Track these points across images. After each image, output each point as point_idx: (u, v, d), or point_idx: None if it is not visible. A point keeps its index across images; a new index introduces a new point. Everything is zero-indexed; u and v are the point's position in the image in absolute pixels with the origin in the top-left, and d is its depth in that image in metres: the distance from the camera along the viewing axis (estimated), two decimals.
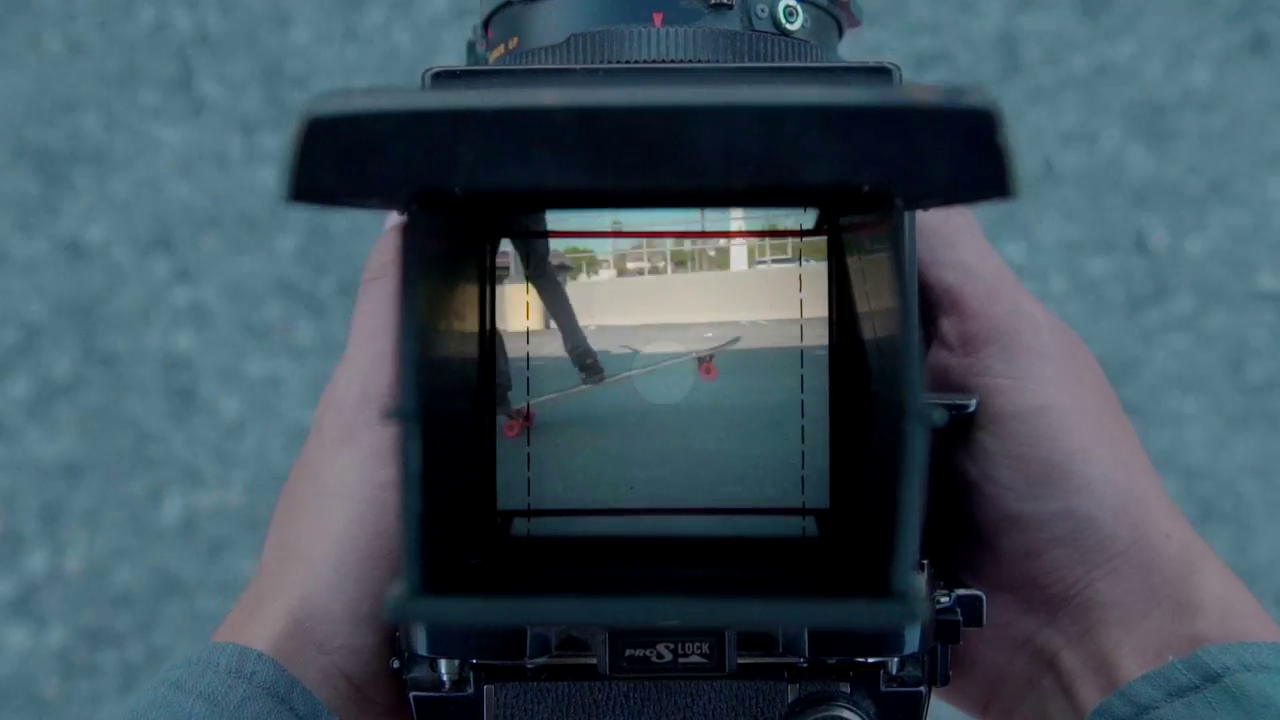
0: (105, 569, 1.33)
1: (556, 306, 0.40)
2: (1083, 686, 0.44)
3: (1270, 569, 1.32)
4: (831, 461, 0.41)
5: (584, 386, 0.41)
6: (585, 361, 0.40)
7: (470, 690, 0.42)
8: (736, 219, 0.42)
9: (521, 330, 0.41)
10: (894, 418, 0.31)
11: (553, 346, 0.41)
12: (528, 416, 0.41)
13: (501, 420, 0.41)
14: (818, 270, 0.41)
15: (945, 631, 0.43)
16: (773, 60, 0.44)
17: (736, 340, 0.41)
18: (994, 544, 0.45)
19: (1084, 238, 1.37)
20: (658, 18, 0.44)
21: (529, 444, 0.41)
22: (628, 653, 0.41)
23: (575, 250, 0.41)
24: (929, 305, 0.45)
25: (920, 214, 0.41)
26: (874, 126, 0.31)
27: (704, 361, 0.42)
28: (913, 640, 0.41)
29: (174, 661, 0.43)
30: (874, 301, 0.36)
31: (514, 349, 0.41)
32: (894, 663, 0.42)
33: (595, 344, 0.41)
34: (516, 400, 0.41)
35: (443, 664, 0.42)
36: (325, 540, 0.43)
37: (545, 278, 0.40)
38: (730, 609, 0.34)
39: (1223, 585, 0.44)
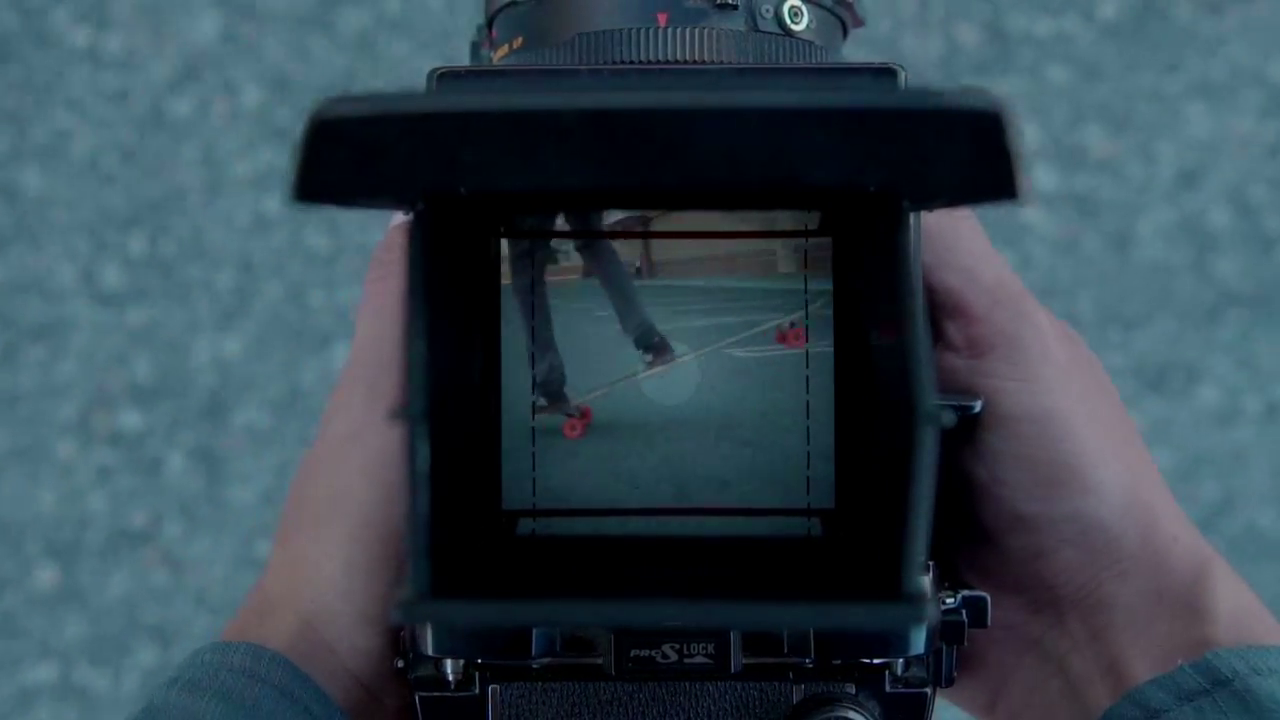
0: None
1: (613, 280, 0.38)
2: (1091, 689, 0.44)
3: None
4: (837, 462, 0.41)
5: (648, 371, 0.40)
6: (651, 341, 0.38)
7: (475, 690, 0.42)
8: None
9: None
10: (903, 419, 0.31)
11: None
12: (585, 414, 0.40)
13: (559, 420, 0.40)
14: (822, 272, 0.41)
15: (950, 632, 0.43)
16: (777, 61, 0.44)
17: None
18: (1002, 545, 0.45)
19: None
20: (662, 18, 0.44)
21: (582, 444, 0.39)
22: (633, 653, 0.41)
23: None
24: (933, 308, 0.45)
25: (924, 217, 0.41)
26: (880, 128, 0.31)
27: (786, 331, 0.39)
28: (919, 641, 0.41)
29: (185, 661, 0.43)
30: (880, 302, 0.36)
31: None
32: (899, 664, 0.42)
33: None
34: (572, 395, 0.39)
35: (448, 663, 0.42)
36: (333, 541, 0.43)
37: (596, 247, 0.39)
38: (736, 610, 0.34)
39: (1231, 589, 0.44)
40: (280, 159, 1.21)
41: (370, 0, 1.24)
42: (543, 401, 0.41)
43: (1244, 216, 1.33)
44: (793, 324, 0.40)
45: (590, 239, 0.41)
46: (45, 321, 1.23)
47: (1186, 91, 1.33)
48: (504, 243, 0.41)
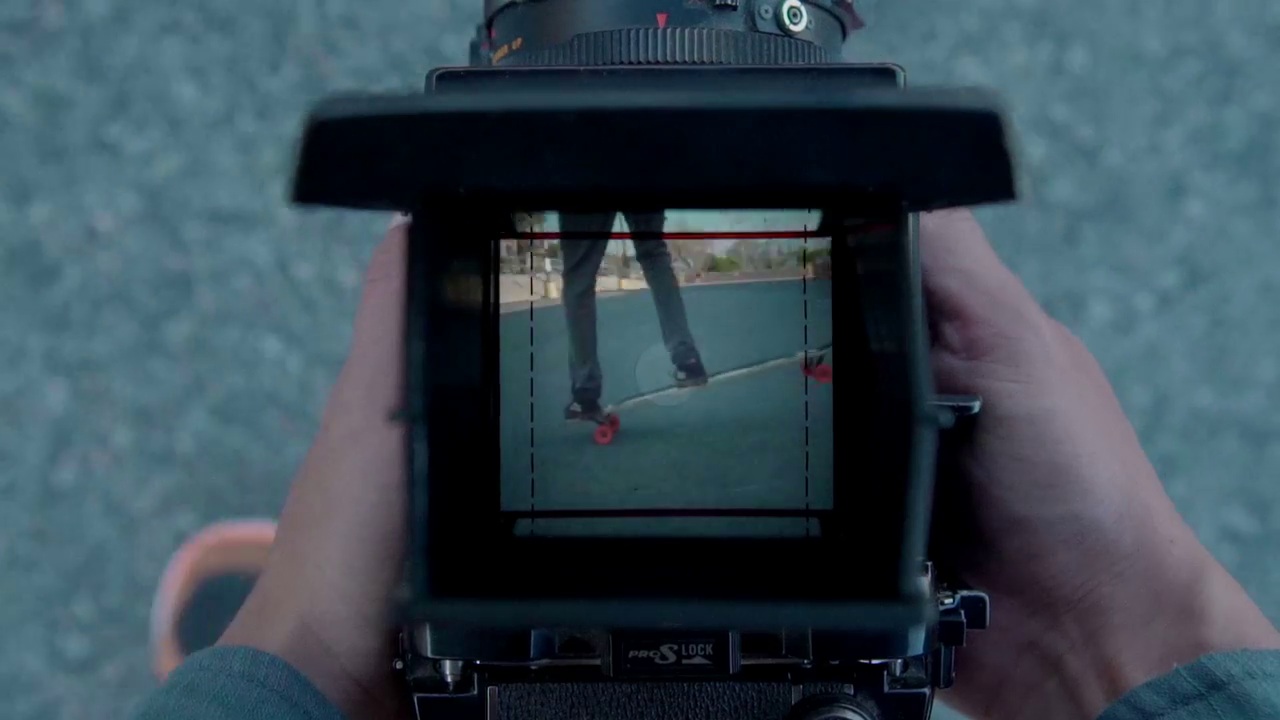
0: None
1: (665, 294, 0.39)
2: (1087, 691, 0.44)
3: None
4: (835, 463, 0.41)
5: (677, 390, 0.40)
6: (687, 361, 0.39)
7: (474, 691, 0.42)
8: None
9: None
10: (901, 420, 0.31)
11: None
12: (614, 422, 0.40)
13: (590, 426, 0.40)
14: (821, 271, 0.41)
15: (949, 633, 0.43)
16: (777, 61, 0.44)
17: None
18: (998, 546, 0.45)
19: None
20: (661, 19, 0.44)
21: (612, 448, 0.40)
22: (631, 654, 0.41)
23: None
24: (931, 310, 0.45)
25: (923, 219, 0.41)
26: (880, 128, 0.31)
27: (812, 365, 0.40)
28: (917, 642, 0.41)
29: (184, 665, 0.43)
30: (879, 303, 0.36)
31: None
32: (898, 664, 0.42)
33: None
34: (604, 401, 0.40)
35: (446, 665, 0.42)
36: (331, 543, 0.43)
37: (657, 260, 0.39)
38: (734, 610, 0.34)
39: (1227, 593, 0.44)
40: (169, 480, 1.28)
41: (187, 308, 1.29)
42: (577, 407, 0.41)
43: (1056, 138, 1.34)
44: (820, 359, 0.40)
45: (643, 240, 0.41)
46: (34, 712, 1.29)
47: (953, 51, 1.35)
48: (560, 253, 0.41)
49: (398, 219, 0.46)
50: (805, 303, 0.42)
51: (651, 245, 0.41)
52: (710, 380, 0.40)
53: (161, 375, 1.28)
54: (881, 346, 0.36)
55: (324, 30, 1.31)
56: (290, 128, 1.28)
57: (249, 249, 1.29)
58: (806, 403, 0.41)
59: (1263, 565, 1.35)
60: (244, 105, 1.30)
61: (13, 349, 1.27)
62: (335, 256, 1.30)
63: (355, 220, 1.30)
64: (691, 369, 0.40)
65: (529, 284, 0.42)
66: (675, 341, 0.40)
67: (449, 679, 0.42)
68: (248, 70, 1.30)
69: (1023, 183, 0.31)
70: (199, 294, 1.29)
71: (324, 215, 1.29)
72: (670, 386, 0.41)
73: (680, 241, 0.41)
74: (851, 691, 0.42)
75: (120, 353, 1.29)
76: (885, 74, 0.41)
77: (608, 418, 0.41)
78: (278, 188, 1.30)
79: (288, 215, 1.30)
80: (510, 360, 0.41)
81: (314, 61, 1.30)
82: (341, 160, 0.31)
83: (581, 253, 0.41)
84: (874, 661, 0.42)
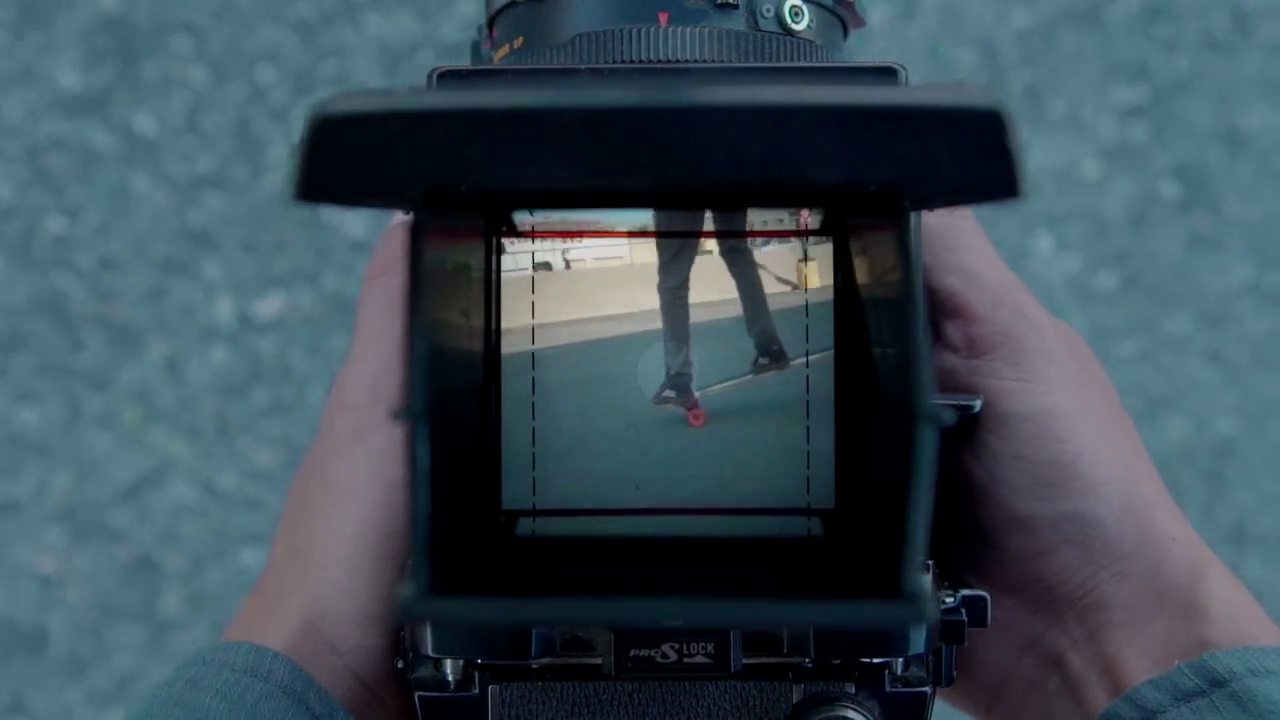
0: None
1: (748, 283, 0.40)
2: (1089, 689, 0.44)
3: None
4: (837, 462, 0.41)
5: (752, 376, 0.41)
6: (770, 348, 0.41)
7: (475, 690, 0.42)
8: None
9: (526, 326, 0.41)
10: (903, 418, 0.31)
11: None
12: (695, 406, 0.41)
13: (681, 411, 0.41)
14: (823, 269, 0.41)
15: (950, 632, 0.43)
16: (778, 60, 0.44)
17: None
18: (1000, 545, 0.45)
19: None
20: (663, 17, 0.44)
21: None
22: (632, 653, 0.41)
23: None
24: (933, 308, 0.45)
25: (924, 218, 0.41)
26: (882, 127, 0.31)
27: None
28: (919, 641, 0.41)
29: (186, 659, 0.43)
30: (880, 302, 0.36)
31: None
32: (899, 663, 0.42)
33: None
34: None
35: (448, 663, 0.42)
36: (336, 541, 0.43)
37: (741, 255, 0.41)
38: (735, 609, 0.34)
39: (1228, 590, 0.44)
40: None
41: (164, 582, 1.33)
42: (670, 393, 0.41)
43: None
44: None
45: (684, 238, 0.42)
46: None
47: None
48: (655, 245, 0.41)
49: (399, 215, 0.46)
50: (806, 303, 0.42)
51: (736, 241, 0.41)
52: (791, 364, 0.41)
53: (193, 647, 1.33)
54: (883, 345, 0.36)
55: (91, 283, 1.35)
56: (121, 379, 1.32)
57: (174, 498, 1.33)
58: (808, 402, 0.41)
59: (1173, 114, 1.33)
60: (77, 393, 1.35)
61: (61, 717, 1.32)
62: (243, 450, 1.33)
63: (239, 409, 1.33)
64: (774, 355, 0.41)
65: (530, 281, 0.42)
66: (757, 330, 0.41)
67: (450, 678, 0.42)
68: (60, 364, 1.34)
69: (1024, 181, 0.31)
70: (166, 563, 1.34)
71: (206, 422, 1.33)
72: (749, 373, 0.41)
73: None
74: (853, 690, 0.42)
75: (143, 655, 1.33)
76: (887, 73, 0.41)
77: (698, 403, 0.41)
78: (156, 435, 1.33)
79: (179, 449, 1.33)
80: (512, 358, 0.41)
81: (105, 315, 1.35)
82: (344, 158, 0.31)
83: (676, 247, 0.42)
84: (875, 660, 0.42)
